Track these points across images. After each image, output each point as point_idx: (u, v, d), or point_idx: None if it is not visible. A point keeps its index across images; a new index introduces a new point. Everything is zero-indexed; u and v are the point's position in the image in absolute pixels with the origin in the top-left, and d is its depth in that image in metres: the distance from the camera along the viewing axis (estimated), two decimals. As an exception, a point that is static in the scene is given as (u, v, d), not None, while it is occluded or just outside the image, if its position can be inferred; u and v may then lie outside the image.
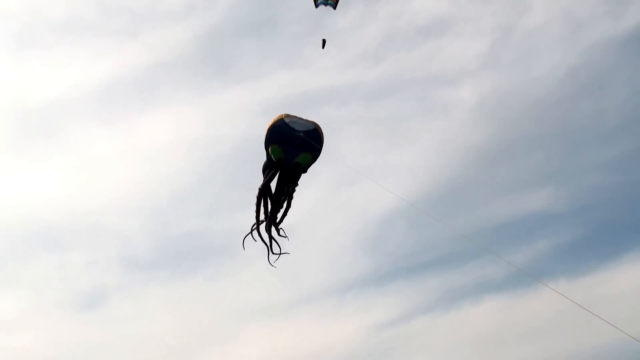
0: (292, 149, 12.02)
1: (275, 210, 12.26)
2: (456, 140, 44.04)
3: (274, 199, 12.26)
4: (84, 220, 42.43)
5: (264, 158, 12.58)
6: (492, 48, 43.85)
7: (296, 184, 12.34)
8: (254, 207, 12.26)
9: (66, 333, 37.21)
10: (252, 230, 12.27)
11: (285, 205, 12.29)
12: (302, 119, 12.40)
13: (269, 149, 12.13)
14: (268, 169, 12.34)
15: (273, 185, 12.45)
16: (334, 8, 15.48)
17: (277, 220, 12.31)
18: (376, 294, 39.78)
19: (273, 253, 12.20)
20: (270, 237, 12.23)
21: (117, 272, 41.05)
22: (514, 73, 43.96)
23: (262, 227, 12.33)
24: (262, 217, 12.27)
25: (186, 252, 41.37)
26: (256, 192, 12.31)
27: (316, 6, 15.56)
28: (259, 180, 12.54)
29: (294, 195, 12.35)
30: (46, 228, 41.92)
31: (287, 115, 12.23)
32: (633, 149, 40.84)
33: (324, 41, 16.14)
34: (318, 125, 12.48)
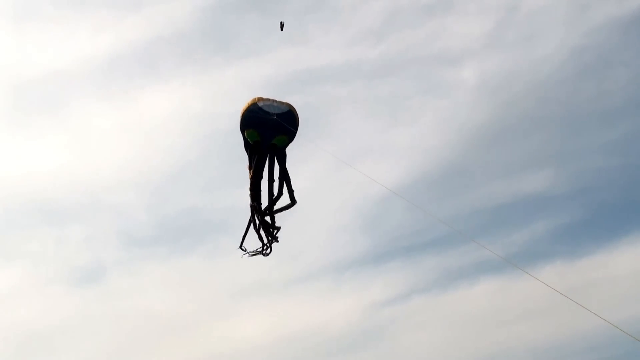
0: (267, 131, 12.02)
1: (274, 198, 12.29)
2: (457, 121, 43.82)
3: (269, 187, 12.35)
4: (83, 194, 42.48)
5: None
6: (495, 28, 43.38)
7: (284, 166, 12.35)
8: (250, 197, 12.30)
9: (63, 307, 37.45)
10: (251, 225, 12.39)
11: (286, 189, 12.28)
12: (276, 101, 12.34)
13: (245, 133, 12.19)
14: (249, 152, 12.40)
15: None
16: None
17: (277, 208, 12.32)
18: (374, 273, 39.96)
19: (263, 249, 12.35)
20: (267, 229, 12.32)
21: (115, 247, 41.19)
22: (517, 53, 43.53)
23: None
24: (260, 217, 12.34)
25: (185, 228, 41.49)
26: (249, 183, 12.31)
27: None
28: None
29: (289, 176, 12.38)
30: (45, 202, 41.98)
31: (261, 99, 12.19)
32: (634, 132, 40.64)
33: (281, 24, 15.59)
34: (292, 107, 12.44)
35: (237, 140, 12.71)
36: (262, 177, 12.24)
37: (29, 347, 34.89)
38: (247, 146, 12.39)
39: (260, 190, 12.20)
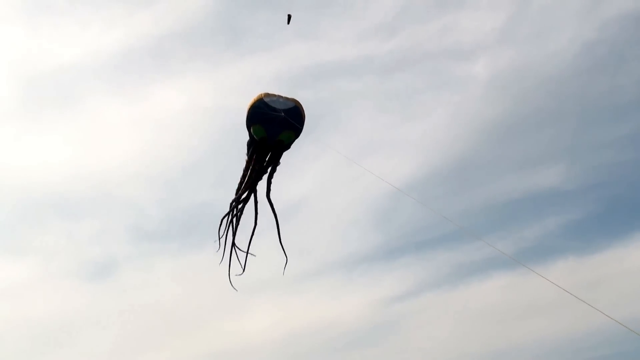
0: (273, 127, 11.97)
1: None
2: (469, 116, 43.56)
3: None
4: (95, 189, 42.68)
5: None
6: (507, 22, 42.98)
7: (278, 163, 12.43)
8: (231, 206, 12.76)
9: (75, 301, 37.66)
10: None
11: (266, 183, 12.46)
12: (282, 97, 12.30)
13: (251, 129, 12.13)
14: (251, 150, 12.43)
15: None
16: None
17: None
18: (385, 269, 39.86)
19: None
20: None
21: (127, 242, 41.36)
22: (529, 48, 43.13)
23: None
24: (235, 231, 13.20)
25: (196, 223, 41.50)
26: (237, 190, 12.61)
27: None
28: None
29: (274, 174, 12.57)
30: (57, 196, 42.22)
31: (267, 95, 12.17)
32: (647, 126, 40.19)
33: (289, 16, 15.20)
34: (298, 102, 12.40)
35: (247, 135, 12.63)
36: (250, 189, 12.40)
37: (41, 341, 35.19)
38: (252, 143, 12.38)
39: (243, 194, 12.45)
